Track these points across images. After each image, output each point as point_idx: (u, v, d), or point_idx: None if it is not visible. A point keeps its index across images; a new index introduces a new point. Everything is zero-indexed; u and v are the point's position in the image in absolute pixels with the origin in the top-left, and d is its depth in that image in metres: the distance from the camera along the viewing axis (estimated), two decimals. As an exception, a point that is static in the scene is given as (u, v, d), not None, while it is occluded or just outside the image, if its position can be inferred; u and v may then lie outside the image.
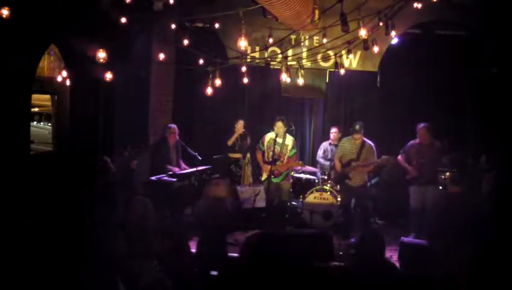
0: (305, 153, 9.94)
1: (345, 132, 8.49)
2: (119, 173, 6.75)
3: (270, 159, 8.09)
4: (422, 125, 7.30)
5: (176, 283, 3.56)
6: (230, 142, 8.77)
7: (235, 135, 8.77)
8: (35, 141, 7.55)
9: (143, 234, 6.37)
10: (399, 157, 7.51)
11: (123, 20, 6.20)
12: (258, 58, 8.83)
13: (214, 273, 4.22)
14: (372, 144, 7.58)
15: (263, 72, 9.42)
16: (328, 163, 8.19)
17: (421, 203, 7.29)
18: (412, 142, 7.45)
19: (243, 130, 8.86)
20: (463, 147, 7.87)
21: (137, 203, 6.92)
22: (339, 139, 8.23)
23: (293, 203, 8.10)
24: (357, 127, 7.51)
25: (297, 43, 9.10)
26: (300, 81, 7.10)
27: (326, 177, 8.03)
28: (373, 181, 8.48)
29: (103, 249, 5.26)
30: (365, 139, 7.61)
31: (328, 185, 7.86)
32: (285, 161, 8.03)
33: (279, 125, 7.94)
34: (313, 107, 10.03)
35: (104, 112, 7.30)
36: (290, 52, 8.18)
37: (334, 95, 9.73)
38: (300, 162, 8.10)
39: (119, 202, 6.41)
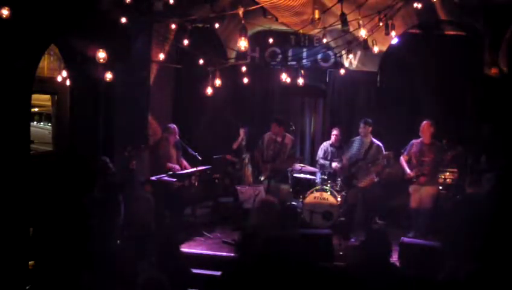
0: (305, 153, 9.95)
1: (345, 133, 8.50)
2: (119, 173, 6.75)
3: (269, 159, 8.14)
4: (425, 122, 7.32)
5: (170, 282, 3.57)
6: (235, 146, 8.82)
7: (240, 139, 8.81)
8: (35, 141, 7.55)
9: (143, 231, 6.39)
10: (401, 157, 7.54)
11: (123, 20, 6.20)
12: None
13: (217, 273, 4.22)
14: (380, 144, 7.63)
15: (263, 72, 9.43)
16: (328, 162, 8.19)
17: (419, 203, 7.30)
18: (413, 140, 7.48)
19: (244, 130, 8.89)
20: (463, 147, 7.87)
21: (140, 199, 6.96)
22: (340, 141, 8.24)
23: (293, 203, 8.09)
24: (363, 121, 7.60)
25: (297, 43, 9.13)
26: (300, 81, 7.11)
27: (326, 177, 8.03)
28: (375, 181, 8.48)
29: (104, 250, 5.28)
30: (374, 139, 7.68)
31: (328, 185, 7.86)
32: (285, 159, 8.08)
33: (274, 126, 8.05)
34: (313, 107, 10.04)
35: (104, 112, 7.29)
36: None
37: (334, 95, 9.73)
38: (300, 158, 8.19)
39: (119, 202, 6.42)
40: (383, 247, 3.85)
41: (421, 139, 7.38)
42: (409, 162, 7.47)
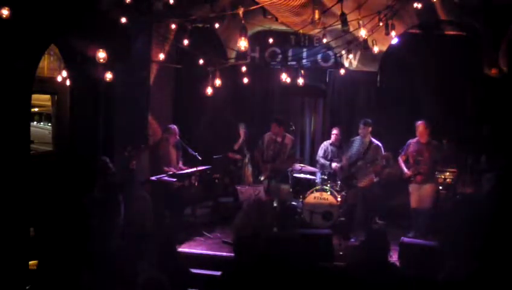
0: (305, 153, 9.95)
1: (345, 133, 8.50)
2: (119, 173, 6.75)
3: (269, 159, 8.15)
4: (420, 122, 7.37)
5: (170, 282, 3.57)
6: (237, 147, 8.81)
7: (241, 140, 8.80)
8: (35, 141, 7.54)
9: (143, 231, 6.39)
10: (399, 158, 7.56)
11: (123, 20, 6.19)
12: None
13: (217, 273, 4.23)
14: (379, 144, 7.63)
15: (263, 72, 9.42)
16: (328, 163, 8.20)
17: (419, 202, 7.32)
18: (410, 140, 7.53)
19: (244, 131, 8.88)
20: (463, 147, 7.88)
21: (136, 198, 6.96)
22: (340, 140, 8.25)
23: (293, 203, 8.10)
24: (362, 122, 7.61)
25: (297, 43, 9.13)
26: (300, 81, 7.11)
27: (326, 177, 8.04)
28: (375, 180, 8.48)
29: (104, 250, 5.28)
30: (373, 139, 7.69)
31: (328, 185, 7.86)
32: (285, 159, 8.08)
33: (274, 126, 8.06)
34: (313, 107, 10.04)
35: (104, 112, 7.29)
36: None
37: (334, 95, 9.73)
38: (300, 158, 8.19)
39: (119, 202, 6.42)
40: (382, 246, 3.85)
41: (417, 138, 7.42)
42: (407, 161, 7.50)
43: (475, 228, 5.55)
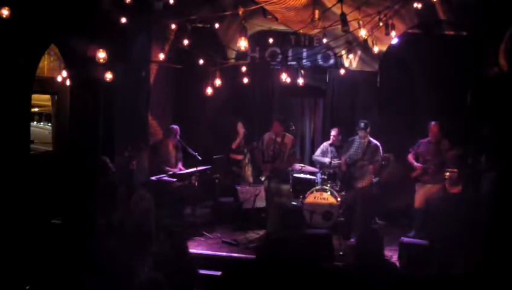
0: (305, 153, 9.95)
1: (346, 132, 8.50)
2: (119, 173, 6.75)
3: (270, 159, 8.13)
4: (434, 122, 7.42)
5: (174, 282, 3.56)
6: (235, 146, 8.80)
7: (239, 139, 8.79)
8: (35, 141, 7.55)
9: (143, 230, 6.39)
10: (409, 155, 7.58)
11: (123, 20, 6.20)
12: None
13: (217, 273, 4.22)
14: (378, 144, 7.63)
15: (263, 72, 9.42)
16: (325, 159, 8.18)
17: (425, 202, 7.32)
18: (421, 140, 7.56)
19: (243, 130, 8.87)
20: (463, 147, 7.87)
21: (139, 198, 6.96)
22: (340, 140, 8.24)
23: (293, 203, 8.10)
24: (362, 125, 7.60)
25: (297, 43, 9.13)
26: (300, 81, 7.11)
27: (326, 177, 8.04)
28: (374, 181, 8.48)
29: (104, 250, 5.27)
30: (371, 139, 7.69)
31: (328, 185, 7.86)
32: (285, 159, 8.07)
33: (276, 125, 8.05)
34: (313, 107, 10.04)
35: (104, 112, 7.27)
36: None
37: (334, 95, 9.73)
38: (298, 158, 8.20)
39: (119, 202, 6.42)
40: (375, 247, 3.84)
41: (428, 138, 7.45)
42: (417, 160, 7.52)
43: (475, 228, 5.56)
